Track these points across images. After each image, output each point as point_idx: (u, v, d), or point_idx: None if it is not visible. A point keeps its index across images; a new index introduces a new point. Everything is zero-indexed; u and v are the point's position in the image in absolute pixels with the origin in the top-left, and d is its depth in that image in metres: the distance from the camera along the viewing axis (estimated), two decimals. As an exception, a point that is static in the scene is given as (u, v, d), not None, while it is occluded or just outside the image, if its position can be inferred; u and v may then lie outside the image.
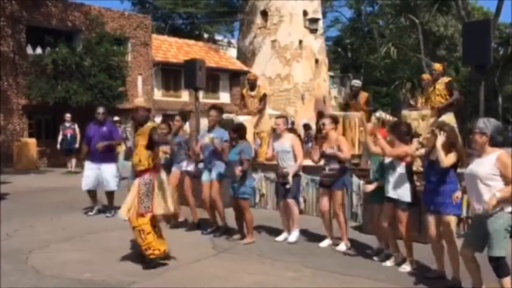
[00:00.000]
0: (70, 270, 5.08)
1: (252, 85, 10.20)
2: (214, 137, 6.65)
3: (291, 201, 6.51)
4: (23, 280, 4.77)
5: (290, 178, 6.35)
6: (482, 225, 4.07)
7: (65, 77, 17.81)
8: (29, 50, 18.64)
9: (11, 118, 17.90)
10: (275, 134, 6.74)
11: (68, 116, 15.13)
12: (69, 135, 14.90)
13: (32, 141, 16.94)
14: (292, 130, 10.64)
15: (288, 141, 6.53)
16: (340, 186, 6.10)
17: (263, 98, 10.13)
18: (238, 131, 6.54)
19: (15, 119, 18.00)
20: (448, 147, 4.66)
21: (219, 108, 7.24)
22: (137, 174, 5.28)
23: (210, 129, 6.98)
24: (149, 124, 5.36)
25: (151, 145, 5.20)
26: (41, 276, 4.90)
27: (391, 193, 5.27)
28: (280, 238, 6.63)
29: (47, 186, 11.91)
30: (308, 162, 6.95)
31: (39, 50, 18.67)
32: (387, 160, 5.38)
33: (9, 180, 12.48)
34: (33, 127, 18.55)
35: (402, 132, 5.38)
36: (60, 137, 14.99)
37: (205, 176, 6.89)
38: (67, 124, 14.94)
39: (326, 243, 6.31)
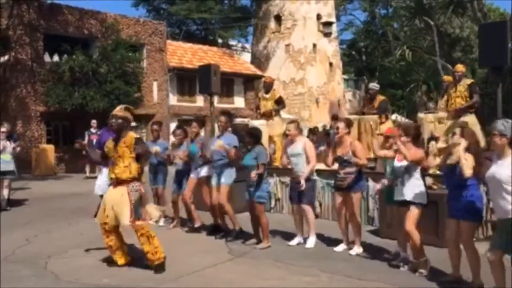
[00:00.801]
0: (88, 276, 5.13)
1: (268, 88, 10.22)
2: (223, 143, 6.68)
3: (306, 206, 6.50)
4: (41, 285, 4.83)
5: (302, 181, 6.34)
6: (507, 228, 4.01)
7: (82, 84, 18.05)
8: (47, 57, 18.93)
9: (29, 125, 18.18)
10: (288, 140, 6.74)
11: (94, 122, 15.34)
12: (94, 141, 15.10)
13: (50, 147, 17.17)
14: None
15: (300, 144, 6.52)
16: (356, 190, 6.08)
17: (279, 101, 10.13)
18: (254, 135, 6.56)
19: (33, 125, 18.27)
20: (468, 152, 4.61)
21: (229, 114, 7.27)
22: (120, 182, 5.17)
23: (220, 134, 7.02)
24: (132, 134, 5.24)
25: (137, 156, 5.16)
26: (59, 281, 4.96)
27: (407, 195, 5.21)
28: (293, 242, 6.62)
29: (65, 192, 12.05)
30: (321, 166, 6.93)
31: (56, 58, 18.96)
32: (400, 163, 5.32)
33: (27, 186, 12.67)
34: (51, 133, 18.81)
35: (414, 135, 5.34)
36: (85, 143, 15.21)
37: (213, 181, 6.93)
38: (93, 131, 15.14)
39: (341, 247, 6.28)
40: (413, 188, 5.20)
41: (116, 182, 5.18)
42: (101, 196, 8.36)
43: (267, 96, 10.13)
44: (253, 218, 6.58)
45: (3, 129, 9.39)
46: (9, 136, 9.78)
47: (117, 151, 5.17)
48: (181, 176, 7.66)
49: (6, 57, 18.96)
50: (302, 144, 6.52)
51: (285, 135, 6.96)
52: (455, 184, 4.66)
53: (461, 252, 4.83)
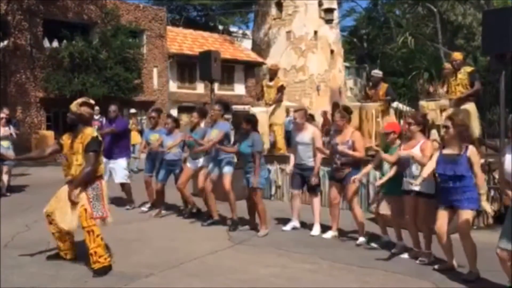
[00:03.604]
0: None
1: (273, 76, 10.16)
2: (218, 132, 6.68)
3: (315, 195, 6.57)
4: (42, 271, 4.82)
5: (314, 178, 6.42)
6: None
7: (82, 70, 17.98)
8: (46, 43, 18.83)
9: (29, 111, 18.15)
10: (295, 127, 6.68)
11: (96, 109, 15.26)
12: (96, 127, 15.03)
13: (50, 133, 17.15)
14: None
15: (309, 133, 6.49)
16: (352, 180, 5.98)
17: (281, 89, 10.06)
18: (251, 121, 6.53)
19: (33, 112, 18.25)
20: (460, 140, 4.60)
21: (224, 104, 7.24)
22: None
23: (213, 123, 6.99)
24: (90, 133, 4.82)
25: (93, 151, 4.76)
26: (60, 267, 4.95)
27: (418, 187, 4.99)
28: (287, 227, 6.69)
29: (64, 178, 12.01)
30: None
31: (55, 44, 18.86)
32: (407, 153, 5.25)
33: (27, 172, 12.66)
34: (50, 119, 18.78)
35: (423, 123, 5.29)
36: None
37: (210, 167, 6.91)
38: (96, 117, 15.07)
39: (329, 234, 6.29)
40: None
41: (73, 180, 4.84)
42: (122, 184, 8.34)
43: (271, 83, 10.07)
44: (250, 205, 6.57)
45: (2, 115, 9.34)
46: (9, 122, 9.74)
47: (72, 147, 4.85)
48: (171, 165, 7.63)
49: (5, 43, 18.85)
50: (311, 134, 6.48)
51: (294, 122, 6.90)
52: (451, 175, 4.62)
53: (451, 242, 4.84)
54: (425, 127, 5.36)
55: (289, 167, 6.85)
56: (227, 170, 6.79)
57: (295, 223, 6.77)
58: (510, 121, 4.26)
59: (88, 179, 4.79)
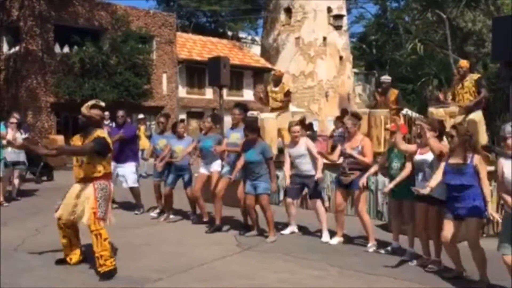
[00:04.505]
0: (95, 265, 5.15)
1: (277, 82, 10.17)
2: (240, 136, 6.70)
3: (317, 201, 6.54)
4: (51, 275, 4.86)
5: (319, 175, 6.44)
6: None
7: (92, 75, 18.14)
8: (57, 49, 19.02)
9: (39, 116, 18.32)
10: (291, 141, 6.71)
11: (106, 114, 15.35)
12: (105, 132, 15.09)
13: (60, 138, 17.26)
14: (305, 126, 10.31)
15: (303, 145, 6.53)
16: (359, 186, 5.97)
17: (287, 94, 10.07)
18: (257, 129, 6.56)
19: (44, 116, 18.41)
20: (465, 149, 4.61)
21: (243, 106, 7.24)
22: (88, 180, 4.90)
23: (234, 127, 7.01)
24: (98, 133, 4.88)
25: (102, 152, 4.87)
26: (68, 271, 4.98)
27: (431, 192, 5.00)
28: (286, 231, 6.75)
29: (67, 184, 12.08)
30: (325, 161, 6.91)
31: (66, 49, 19.04)
32: (422, 157, 5.24)
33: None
34: (61, 124, 18.93)
35: (439, 130, 5.28)
36: None
37: (224, 171, 6.92)
38: (105, 122, 15.16)
39: (335, 240, 6.28)
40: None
41: (82, 180, 4.94)
42: (131, 188, 8.37)
43: (276, 89, 10.07)
44: (251, 211, 6.57)
45: (13, 120, 9.45)
46: (19, 126, 9.84)
47: None
48: (180, 170, 7.64)
49: (17, 48, 19.08)
50: (304, 144, 6.52)
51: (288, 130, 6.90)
52: (458, 184, 4.61)
53: (458, 249, 4.82)
54: (442, 133, 5.34)
55: (287, 180, 6.79)
56: (239, 176, 6.80)
57: (293, 228, 6.85)
58: (503, 131, 4.29)
59: (68, 153, 5.22)
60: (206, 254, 5.69)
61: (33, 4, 18.39)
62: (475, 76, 8.36)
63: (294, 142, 6.62)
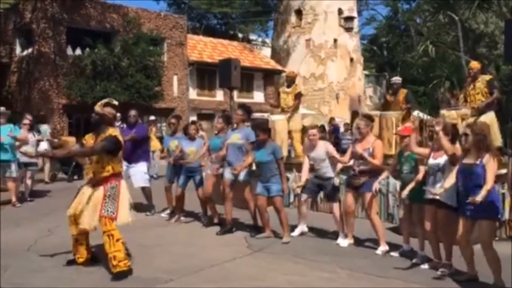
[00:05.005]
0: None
1: (290, 83, 10.17)
2: (240, 137, 6.69)
3: (334, 204, 6.55)
4: (62, 276, 4.90)
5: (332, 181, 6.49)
6: None
7: (104, 77, 18.26)
8: (69, 51, 19.17)
9: (52, 117, 18.46)
10: (310, 144, 6.69)
11: (118, 115, 15.45)
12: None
13: (72, 139, 17.37)
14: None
15: (322, 149, 6.52)
16: (369, 188, 5.95)
17: (298, 96, 10.07)
18: (268, 130, 6.56)
19: (56, 118, 18.55)
20: (479, 149, 4.56)
21: (247, 108, 7.23)
22: (99, 180, 4.92)
23: (235, 127, 7.01)
24: (111, 131, 4.90)
25: (113, 151, 4.88)
26: (80, 271, 5.02)
27: (441, 197, 4.98)
28: (295, 233, 6.73)
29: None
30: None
31: (78, 51, 19.20)
32: (435, 161, 5.21)
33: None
34: (72, 126, 19.08)
35: (452, 134, 5.24)
36: None
37: (226, 174, 6.91)
38: (117, 123, 15.23)
39: (346, 242, 6.27)
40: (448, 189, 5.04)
41: (93, 179, 4.97)
42: (142, 188, 8.42)
43: (288, 90, 10.07)
44: (262, 212, 6.58)
45: (26, 121, 9.55)
46: (32, 128, 9.93)
47: None
48: (191, 172, 7.65)
49: (30, 50, 19.27)
50: (324, 149, 6.50)
51: (303, 131, 6.93)
52: (472, 185, 4.58)
53: (473, 251, 4.78)
54: (455, 137, 5.30)
55: (303, 178, 6.77)
56: (246, 178, 6.81)
57: (302, 227, 6.82)
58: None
59: (80, 155, 5.14)
60: (216, 256, 5.71)
61: (45, 7, 18.58)
62: (487, 77, 8.30)
63: (312, 146, 6.60)
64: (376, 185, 5.84)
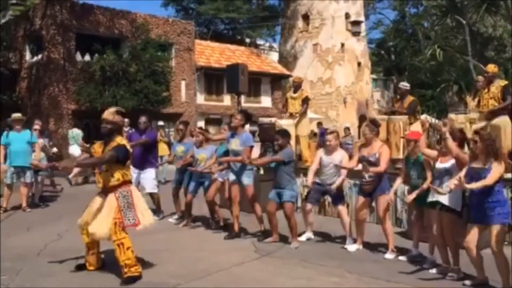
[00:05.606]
0: (117, 271, 5.22)
1: (296, 88, 10.20)
2: (239, 143, 6.69)
3: (342, 208, 6.53)
4: (73, 280, 4.94)
5: (335, 187, 6.45)
6: None
7: (112, 83, 18.39)
8: (78, 57, 19.35)
9: (61, 123, 18.62)
10: (327, 149, 6.68)
11: (126, 120, 15.53)
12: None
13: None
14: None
15: (339, 156, 6.51)
16: (381, 192, 6.00)
17: (305, 101, 10.09)
18: (287, 136, 6.56)
19: (65, 123, 18.70)
20: (487, 154, 4.56)
21: (247, 114, 7.16)
22: (109, 189, 4.96)
23: (233, 133, 6.94)
24: (119, 140, 4.94)
25: (122, 160, 4.91)
26: (90, 276, 5.06)
27: (442, 199, 5.02)
28: (302, 238, 6.71)
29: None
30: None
31: (87, 57, 19.36)
32: (442, 165, 5.22)
33: (58, 183, 12.93)
34: (82, 131, 19.19)
35: (460, 138, 5.24)
36: None
37: (231, 178, 6.92)
38: (125, 129, 15.31)
39: (354, 247, 6.27)
40: (453, 193, 5.01)
41: (104, 188, 5.01)
42: (151, 194, 8.45)
43: (295, 95, 10.10)
44: (271, 217, 6.58)
45: (36, 127, 9.63)
46: (41, 133, 10.03)
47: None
48: (201, 177, 7.65)
49: (39, 56, 19.47)
50: (340, 157, 6.49)
51: (314, 135, 6.92)
52: (480, 190, 4.57)
53: (482, 257, 4.75)
54: (462, 142, 5.30)
55: (309, 180, 6.73)
56: (249, 182, 6.83)
57: (309, 234, 6.84)
58: None
59: (88, 166, 4.90)
60: (224, 260, 5.72)
61: (55, 13, 18.77)
62: (502, 82, 8.19)
63: (330, 151, 6.59)
64: (391, 195, 5.86)
